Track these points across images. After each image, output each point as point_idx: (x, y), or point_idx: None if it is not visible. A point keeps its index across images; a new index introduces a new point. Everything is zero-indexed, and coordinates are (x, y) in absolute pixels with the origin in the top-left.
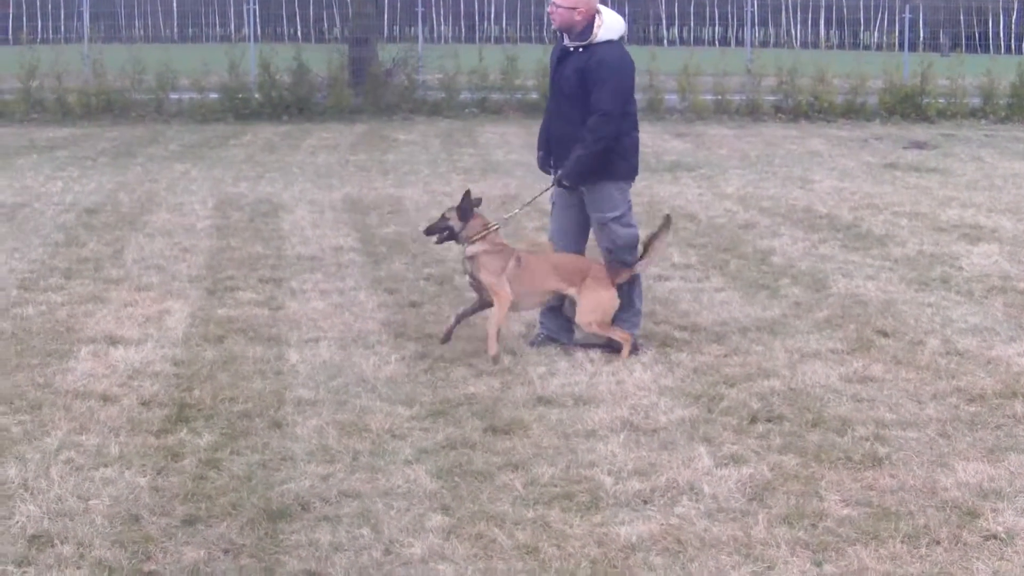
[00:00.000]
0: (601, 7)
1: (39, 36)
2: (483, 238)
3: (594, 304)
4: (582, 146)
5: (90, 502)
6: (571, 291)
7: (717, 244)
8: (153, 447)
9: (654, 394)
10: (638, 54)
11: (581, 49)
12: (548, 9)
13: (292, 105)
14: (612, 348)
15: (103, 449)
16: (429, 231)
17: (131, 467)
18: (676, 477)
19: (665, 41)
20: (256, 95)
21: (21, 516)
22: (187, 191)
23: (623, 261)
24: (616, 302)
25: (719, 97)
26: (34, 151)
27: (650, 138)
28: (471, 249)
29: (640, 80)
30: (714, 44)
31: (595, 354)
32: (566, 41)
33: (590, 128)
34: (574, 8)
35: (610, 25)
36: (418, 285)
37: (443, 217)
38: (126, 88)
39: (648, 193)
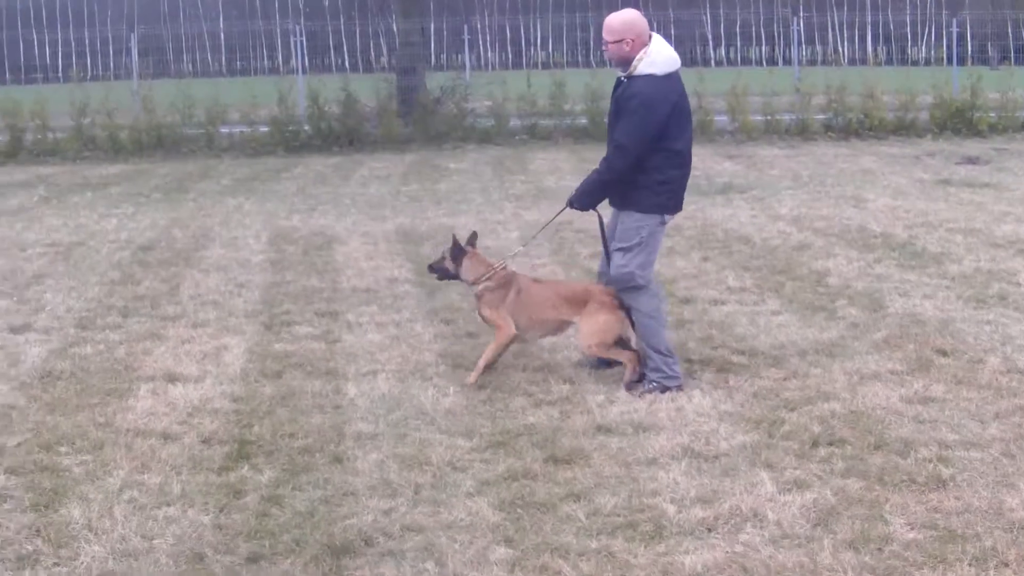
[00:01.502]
0: (656, 40)
1: (89, 73)
2: (488, 278)
3: (593, 327)
4: (595, 172)
5: (154, 541)
6: (576, 319)
7: (772, 266)
8: (215, 485)
9: (714, 420)
10: (686, 76)
11: (625, 79)
12: (603, 48)
13: (342, 136)
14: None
15: (165, 488)
16: (431, 269)
17: (194, 505)
18: (739, 504)
19: (712, 62)
20: (306, 127)
21: (86, 557)
22: (241, 225)
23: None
24: (618, 325)
25: (768, 117)
26: (88, 189)
27: (701, 160)
28: (475, 290)
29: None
30: (761, 64)
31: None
32: (619, 72)
33: (605, 157)
34: (621, 40)
35: (654, 59)
36: (474, 315)
37: (442, 256)
38: (176, 123)
39: (701, 216)
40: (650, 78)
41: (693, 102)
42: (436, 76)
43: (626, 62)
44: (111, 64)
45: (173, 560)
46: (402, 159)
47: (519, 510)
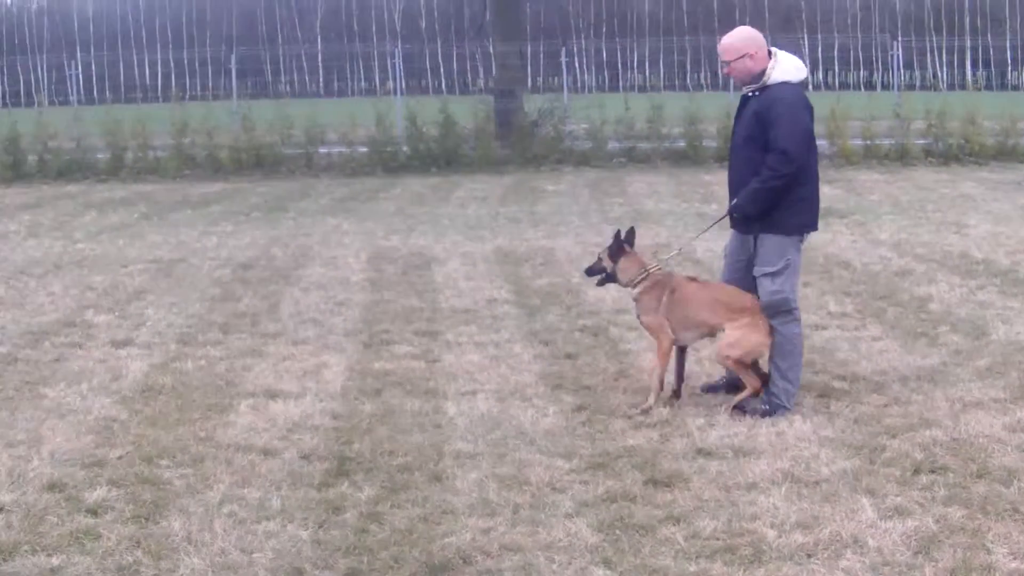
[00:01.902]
0: (780, 52)
1: (188, 93)
2: (644, 279)
3: (742, 341)
4: (758, 180)
5: (254, 555)
6: (728, 326)
7: (873, 292)
8: (314, 500)
9: (815, 445)
10: None
11: (758, 92)
12: (724, 71)
13: (440, 157)
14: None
15: (265, 503)
16: (589, 271)
17: (293, 520)
18: (839, 530)
19: (810, 86)
20: (404, 148)
21: (186, 569)
22: (340, 244)
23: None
24: (764, 346)
25: (868, 142)
26: (188, 207)
27: None
28: (633, 292)
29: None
30: (860, 88)
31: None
32: (744, 89)
33: (768, 164)
34: (744, 55)
35: (785, 67)
36: (573, 336)
37: (598, 258)
38: (275, 143)
39: None
40: (786, 85)
41: None
42: (534, 99)
43: (753, 77)
44: (210, 84)
45: (272, 574)
46: (500, 181)
47: (618, 532)
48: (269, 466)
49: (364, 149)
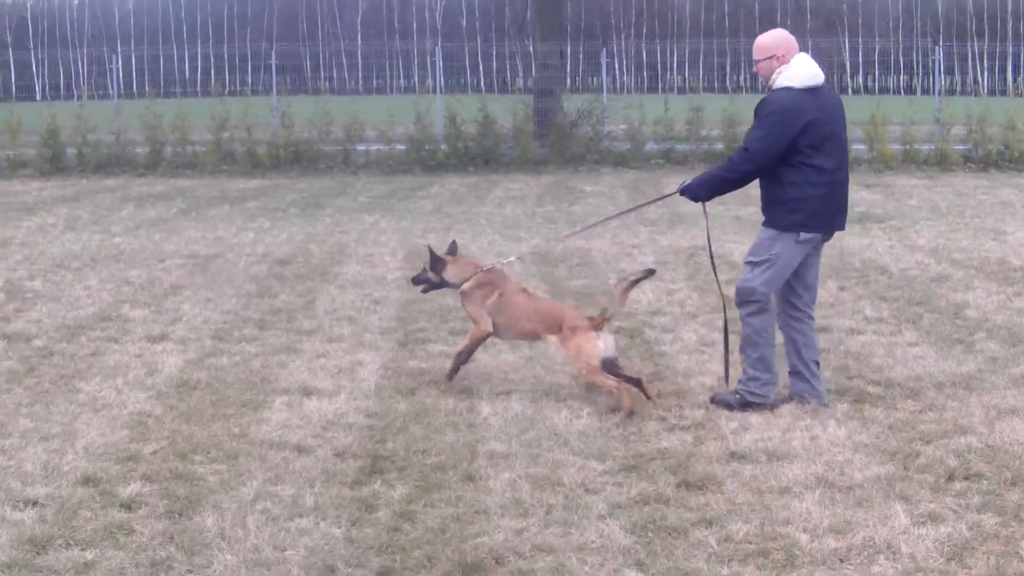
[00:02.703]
0: (800, 56)
1: (227, 89)
2: (474, 277)
3: (574, 352)
4: (718, 167)
5: (286, 552)
6: (548, 337)
7: (909, 297)
8: (348, 498)
9: (849, 450)
10: None
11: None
12: (753, 69)
13: (478, 156)
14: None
15: (298, 500)
16: (415, 281)
17: (326, 518)
18: (873, 535)
19: (850, 90)
20: (443, 146)
21: (219, 565)
22: (376, 242)
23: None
24: (594, 345)
25: (907, 146)
26: (225, 202)
27: None
28: (464, 286)
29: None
30: (900, 92)
31: (787, 408)
32: None
33: (729, 157)
34: (771, 56)
35: (793, 73)
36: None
37: (423, 269)
38: (314, 139)
39: (838, 244)
40: (787, 90)
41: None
42: (573, 99)
43: (770, 78)
44: (249, 80)
45: (305, 572)
46: (537, 180)
47: (650, 534)
48: (303, 463)
49: (402, 147)
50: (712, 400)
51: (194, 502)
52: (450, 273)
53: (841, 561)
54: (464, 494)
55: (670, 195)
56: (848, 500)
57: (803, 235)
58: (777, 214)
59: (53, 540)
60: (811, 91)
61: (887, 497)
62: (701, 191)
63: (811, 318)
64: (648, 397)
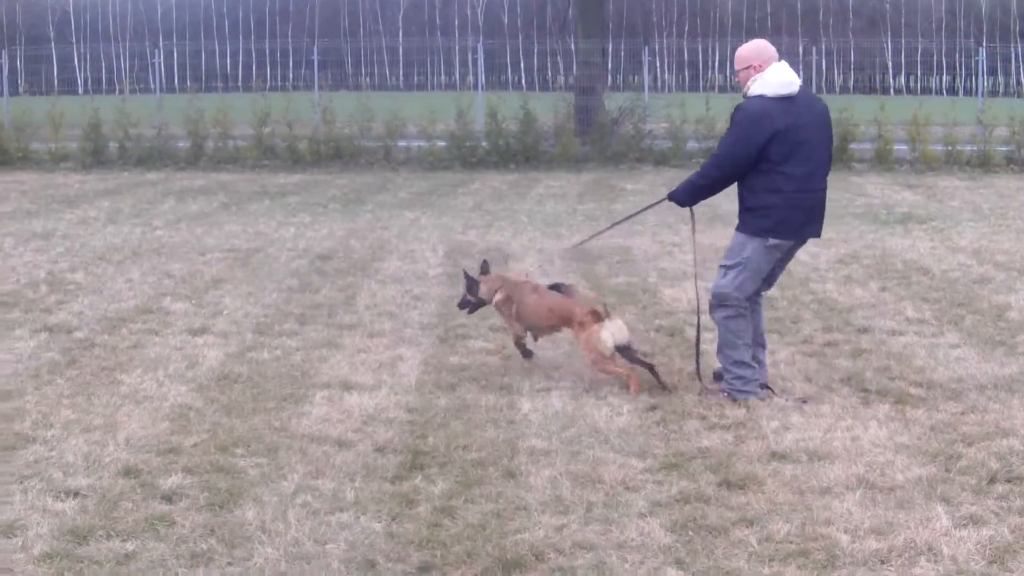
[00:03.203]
0: (776, 65)
1: (269, 84)
2: (500, 287)
3: (584, 346)
4: (694, 173)
5: (327, 546)
6: (566, 329)
7: (951, 299)
8: (388, 493)
9: (890, 451)
10: (865, 103)
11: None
12: (735, 78)
13: (519, 153)
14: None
15: (339, 494)
16: (460, 305)
17: (366, 512)
18: (914, 537)
19: (892, 90)
20: (484, 143)
21: (259, 558)
22: (417, 238)
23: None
24: (599, 338)
25: (949, 147)
26: (266, 197)
27: (879, 189)
28: (494, 302)
29: (868, 131)
30: (942, 93)
31: (827, 408)
32: None
33: (703, 163)
34: (748, 66)
35: (767, 80)
36: (648, 336)
37: (463, 294)
38: (355, 135)
39: (880, 246)
40: (759, 98)
41: (872, 130)
42: (614, 96)
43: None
44: (290, 76)
45: (345, 566)
46: (578, 178)
47: (691, 533)
48: (343, 457)
49: (443, 143)
50: (702, 396)
51: (235, 495)
52: (483, 292)
53: (882, 562)
54: (504, 490)
55: (661, 201)
56: (889, 501)
57: (771, 240)
58: (747, 219)
59: (94, 531)
60: (784, 100)
61: (928, 499)
62: (684, 197)
63: (760, 303)
64: (663, 385)
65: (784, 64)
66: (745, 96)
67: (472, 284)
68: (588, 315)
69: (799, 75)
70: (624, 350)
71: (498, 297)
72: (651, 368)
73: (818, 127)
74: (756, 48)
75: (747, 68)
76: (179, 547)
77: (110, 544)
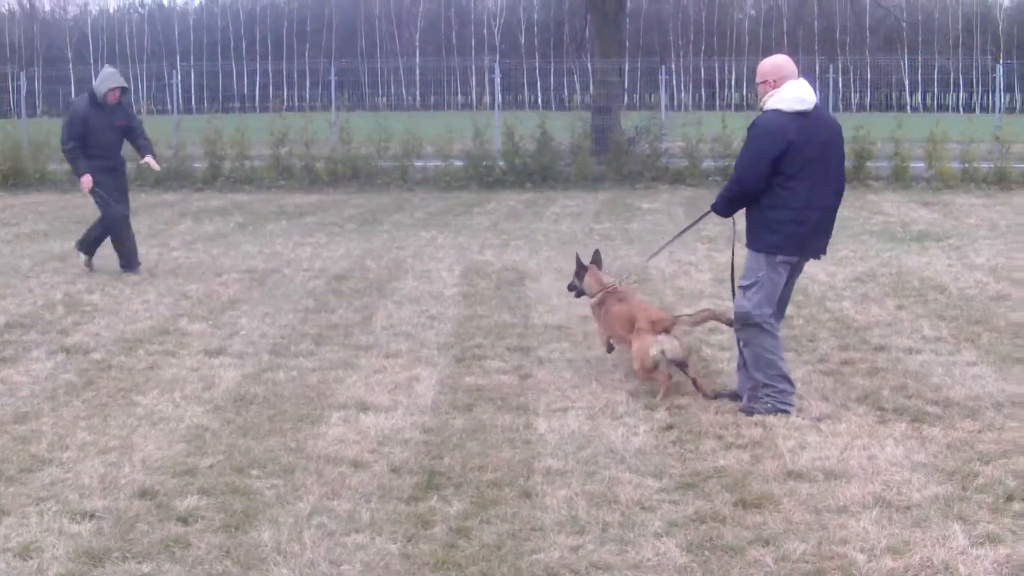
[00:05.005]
0: (792, 83)
1: (286, 104)
2: (600, 292)
3: (633, 352)
4: (723, 187)
5: (342, 567)
6: (631, 338)
7: (968, 316)
8: (404, 514)
9: (906, 470)
10: (882, 121)
11: None
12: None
13: (535, 173)
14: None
15: (354, 515)
16: (569, 287)
17: (382, 533)
18: (931, 556)
19: (908, 107)
20: (500, 163)
21: None
22: (433, 258)
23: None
24: (649, 348)
25: (966, 165)
26: (283, 217)
27: (895, 207)
28: (591, 302)
29: (884, 149)
30: (959, 110)
31: (844, 427)
32: None
33: (731, 176)
34: (764, 80)
35: (781, 96)
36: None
37: (572, 280)
38: (372, 155)
39: (896, 263)
40: (774, 112)
41: (888, 148)
42: (631, 115)
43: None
44: (307, 96)
45: None
46: (595, 197)
47: (707, 552)
48: (359, 478)
49: (460, 163)
50: (742, 410)
51: (250, 516)
52: (586, 283)
53: None
54: (520, 511)
55: (707, 213)
56: (906, 520)
57: (780, 257)
58: (755, 235)
59: (110, 553)
60: (798, 115)
61: (945, 517)
62: (722, 208)
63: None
64: (703, 394)
65: (801, 81)
66: (761, 110)
67: (580, 271)
68: (648, 324)
69: (816, 93)
70: (678, 364)
71: (595, 299)
72: (695, 381)
73: (830, 145)
74: (774, 63)
75: (764, 83)
76: (195, 569)
77: (126, 566)
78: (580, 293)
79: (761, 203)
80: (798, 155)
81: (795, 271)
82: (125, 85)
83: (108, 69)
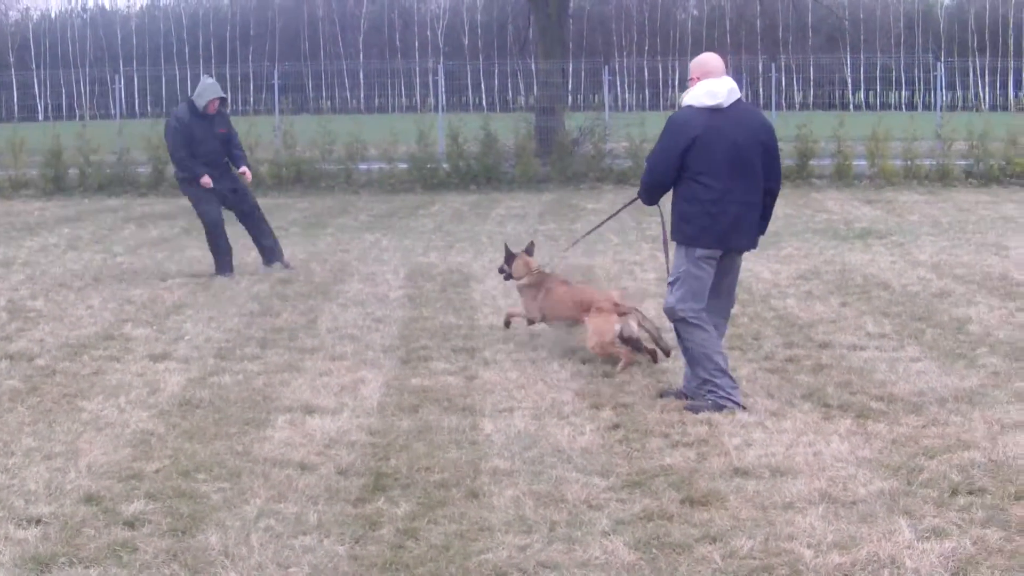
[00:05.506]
0: (708, 81)
1: (230, 108)
2: (527, 275)
3: (592, 330)
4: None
5: (290, 570)
6: (583, 320)
7: (912, 313)
8: (351, 516)
9: (852, 465)
10: (824, 120)
11: None
12: None
13: (480, 174)
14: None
15: (302, 517)
16: (499, 270)
17: (329, 535)
18: (877, 550)
19: (851, 106)
20: (444, 165)
21: None
22: (378, 261)
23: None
24: (612, 327)
25: (908, 162)
26: (228, 222)
27: (839, 205)
28: (518, 284)
29: (827, 147)
30: (901, 108)
31: (789, 424)
32: None
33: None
34: (692, 77)
35: (695, 93)
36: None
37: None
38: (316, 159)
39: (840, 261)
40: (686, 108)
41: (831, 146)
42: (574, 117)
43: None
44: (251, 100)
45: None
46: (539, 198)
47: (654, 550)
48: (306, 481)
49: (404, 166)
50: (688, 409)
51: (197, 520)
52: (515, 268)
53: None
54: (468, 511)
55: (634, 200)
56: (852, 515)
57: (699, 251)
58: (675, 227)
59: (56, 558)
60: (712, 110)
61: (891, 512)
62: (643, 196)
63: (719, 324)
64: (656, 358)
65: (722, 79)
66: (678, 106)
67: (509, 258)
68: (608, 303)
69: (743, 90)
70: (630, 341)
71: (524, 281)
72: (652, 354)
73: (748, 140)
74: (700, 61)
75: (691, 79)
76: (142, 573)
77: (72, 571)
78: (508, 276)
79: (677, 195)
80: (705, 150)
81: (729, 267)
82: (224, 95)
83: (208, 80)
